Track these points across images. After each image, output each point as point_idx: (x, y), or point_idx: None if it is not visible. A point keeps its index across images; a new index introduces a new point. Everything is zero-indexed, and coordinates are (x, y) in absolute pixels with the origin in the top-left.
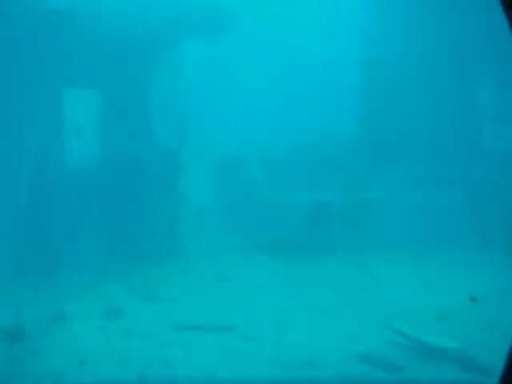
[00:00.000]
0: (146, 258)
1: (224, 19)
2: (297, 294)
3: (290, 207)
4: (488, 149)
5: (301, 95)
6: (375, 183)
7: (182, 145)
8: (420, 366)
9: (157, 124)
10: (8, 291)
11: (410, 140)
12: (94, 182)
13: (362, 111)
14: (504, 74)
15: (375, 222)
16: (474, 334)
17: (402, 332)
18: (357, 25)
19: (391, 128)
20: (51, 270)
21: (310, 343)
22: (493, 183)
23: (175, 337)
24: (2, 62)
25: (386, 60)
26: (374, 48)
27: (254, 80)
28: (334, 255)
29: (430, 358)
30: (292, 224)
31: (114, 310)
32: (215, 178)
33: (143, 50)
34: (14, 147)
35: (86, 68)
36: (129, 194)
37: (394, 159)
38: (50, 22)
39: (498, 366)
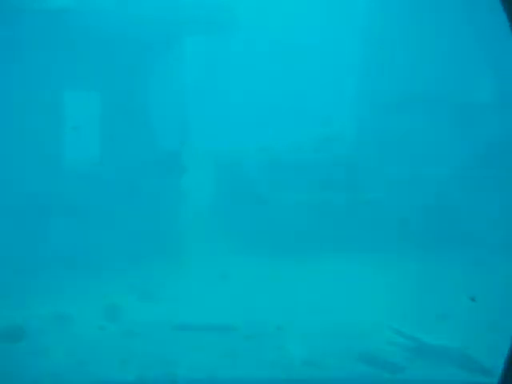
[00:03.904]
0: (146, 257)
1: (225, 18)
2: (297, 294)
3: (289, 207)
4: (487, 148)
5: (301, 95)
6: (375, 183)
7: (182, 145)
8: (420, 366)
9: (157, 124)
10: (8, 291)
11: (410, 140)
12: (94, 181)
13: (364, 111)
14: (504, 73)
15: (375, 221)
16: (474, 334)
17: (402, 332)
18: (358, 24)
19: (392, 128)
20: (51, 269)
21: (310, 343)
22: (493, 183)
23: (175, 337)
24: (1, 61)
25: (387, 60)
26: (375, 47)
27: (254, 80)
28: (334, 255)
29: (430, 357)
30: (292, 224)
31: (113, 309)
32: (215, 177)
33: (143, 50)
34: (13, 147)
35: (85, 68)
36: (129, 193)
37: (395, 159)
38: (50, 21)
39: (498, 365)
